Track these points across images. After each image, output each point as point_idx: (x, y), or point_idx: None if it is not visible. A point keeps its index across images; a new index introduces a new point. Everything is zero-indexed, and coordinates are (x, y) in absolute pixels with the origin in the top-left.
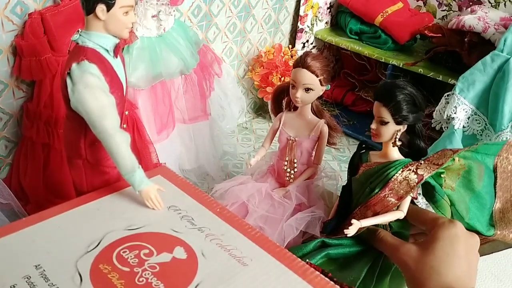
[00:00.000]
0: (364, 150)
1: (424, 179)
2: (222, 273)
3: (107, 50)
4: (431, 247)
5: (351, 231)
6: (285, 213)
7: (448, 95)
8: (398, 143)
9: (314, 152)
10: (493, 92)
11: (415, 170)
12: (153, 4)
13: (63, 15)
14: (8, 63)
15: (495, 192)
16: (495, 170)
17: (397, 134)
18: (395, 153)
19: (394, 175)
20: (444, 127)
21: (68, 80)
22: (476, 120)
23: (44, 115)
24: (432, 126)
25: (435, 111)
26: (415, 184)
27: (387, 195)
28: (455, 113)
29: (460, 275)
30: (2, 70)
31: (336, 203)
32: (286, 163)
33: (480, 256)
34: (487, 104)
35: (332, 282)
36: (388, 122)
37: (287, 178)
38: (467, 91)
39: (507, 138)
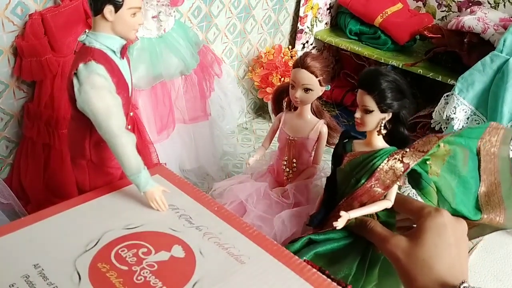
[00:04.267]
0: (347, 140)
1: (410, 167)
2: (220, 271)
3: (114, 51)
4: (420, 239)
5: (340, 223)
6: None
7: (447, 96)
8: (383, 131)
9: (313, 152)
10: (492, 92)
11: (400, 159)
12: (153, 5)
13: (64, 15)
14: (9, 64)
15: (480, 176)
16: (478, 153)
17: (382, 123)
18: (379, 142)
19: (379, 165)
20: (444, 128)
21: (75, 80)
22: (476, 120)
23: (45, 116)
24: (432, 126)
25: (435, 111)
26: (401, 173)
27: (373, 185)
28: (454, 113)
29: (451, 265)
30: (3, 71)
31: (321, 196)
32: (285, 162)
33: (468, 240)
34: (487, 105)
35: (329, 280)
36: (372, 111)
37: (286, 177)
38: (466, 92)
39: None
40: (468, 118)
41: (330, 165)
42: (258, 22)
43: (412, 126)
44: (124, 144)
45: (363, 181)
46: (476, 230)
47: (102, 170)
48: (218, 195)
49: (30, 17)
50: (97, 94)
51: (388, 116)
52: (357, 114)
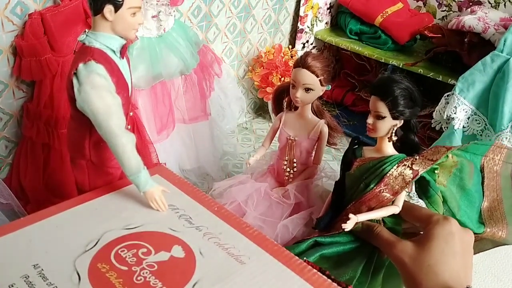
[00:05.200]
0: (357, 145)
1: (419, 174)
2: (219, 272)
3: (114, 51)
4: (427, 245)
5: (348, 225)
6: (283, 214)
7: (448, 95)
8: (394, 138)
9: (313, 152)
10: (493, 92)
11: (410, 166)
12: (153, 5)
13: (63, 15)
14: (8, 63)
15: (483, 191)
16: (482, 170)
17: (393, 129)
18: (389, 148)
19: (389, 171)
20: (444, 127)
21: (75, 80)
22: (476, 120)
23: (44, 115)
24: (432, 126)
25: (435, 111)
26: (410, 179)
27: (382, 191)
28: (455, 113)
29: (456, 273)
30: (2, 70)
31: (328, 199)
32: (285, 162)
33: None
34: (487, 104)
35: (329, 280)
36: (385, 117)
37: (287, 177)
38: (467, 91)
39: (507, 138)
40: (468, 118)
41: (339, 170)
42: (258, 21)
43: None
44: (124, 144)
45: (372, 185)
46: (477, 245)
47: (102, 170)
48: (218, 195)
49: (30, 17)
50: (97, 94)
51: (399, 123)
52: (369, 120)
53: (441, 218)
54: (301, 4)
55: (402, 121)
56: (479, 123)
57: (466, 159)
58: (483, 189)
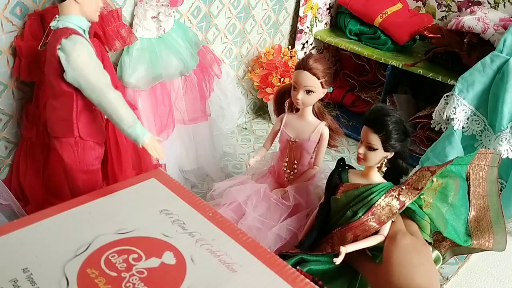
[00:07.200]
0: (341, 169)
1: (405, 205)
2: (210, 280)
3: (84, 31)
4: (388, 262)
5: (339, 259)
6: (282, 215)
7: (447, 96)
8: (384, 168)
9: (314, 154)
10: (492, 92)
11: (397, 196)
12: (152, 5)
13: None
14: (8, 64)
15: (469, 201)
16: (468, 178)
17: (384, 160)
18: (376, 176)
19: (377, 201)
20: (444, 128)
21: (61, 53)
22: (476, 120)
23: (44, 116)
24: (432, 127)
25: (435, 111)
26: (397, 210)
27: (369, 220)
28: (454, 113)
29: (423, 284)
30: (2, 71)
31: (311, 220)
32: (286, 164)
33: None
34: (487, 105)
35: None
36: (377, 149)
37: (286, 179)
38: (466, 92)
39: (506, 138)
40: (468, 119)
41: (323, 191)
42: (258, 22)
43: (412, 126)
44: (115, 97)
45: (360, 214)
46: (467, 247)
47: (89, 145)
48: (217, 195)
49: (29, 17)
50: (85, 59)
51: (390, 155)
52: (361, 150)
53: (398, 233)
54: (300, 5)
55: (393, 153)
56: (478, 124)
57: (452, 173)
58: (469, 198)
